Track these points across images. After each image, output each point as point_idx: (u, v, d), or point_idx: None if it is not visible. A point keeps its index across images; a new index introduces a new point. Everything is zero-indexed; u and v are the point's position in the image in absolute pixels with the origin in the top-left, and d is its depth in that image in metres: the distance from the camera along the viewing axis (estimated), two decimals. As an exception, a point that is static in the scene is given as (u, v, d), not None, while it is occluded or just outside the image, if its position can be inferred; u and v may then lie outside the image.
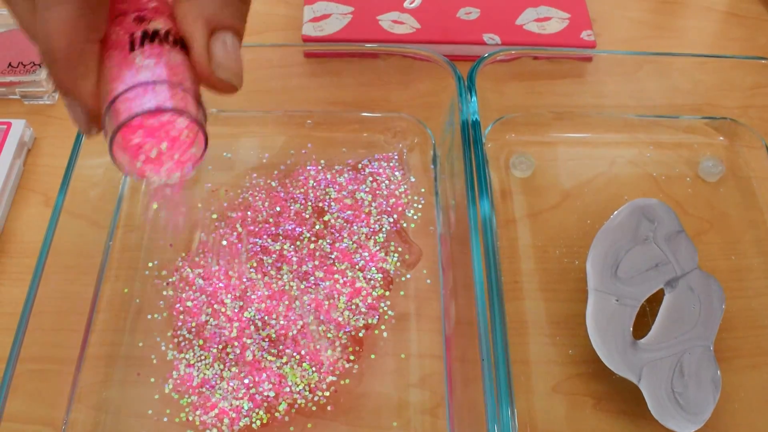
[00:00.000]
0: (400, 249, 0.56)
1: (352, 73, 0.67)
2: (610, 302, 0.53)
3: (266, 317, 0.52)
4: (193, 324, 0.52)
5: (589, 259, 0.55)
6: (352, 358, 0.51)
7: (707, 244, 0.59)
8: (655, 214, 0.57)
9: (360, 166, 0.60)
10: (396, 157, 0.60)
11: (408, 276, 0.55)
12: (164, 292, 0.54)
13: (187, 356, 0.51)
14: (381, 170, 0.60)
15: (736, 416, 0.52)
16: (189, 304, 0.53)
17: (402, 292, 0.55)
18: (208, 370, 0.50)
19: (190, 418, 0.49)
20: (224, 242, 0.56)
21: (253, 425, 0.48)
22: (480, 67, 0.60)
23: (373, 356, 0.52)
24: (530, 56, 0.63)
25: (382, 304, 0.53)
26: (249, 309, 0.52)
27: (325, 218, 0.56)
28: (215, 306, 0.52)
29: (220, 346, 0.51)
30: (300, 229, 0.55)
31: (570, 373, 0.53)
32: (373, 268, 0.54)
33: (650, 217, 0.56)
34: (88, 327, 0.54)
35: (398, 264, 0.55)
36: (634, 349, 0.51)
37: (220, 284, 0.53)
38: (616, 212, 0.57)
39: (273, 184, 0.59)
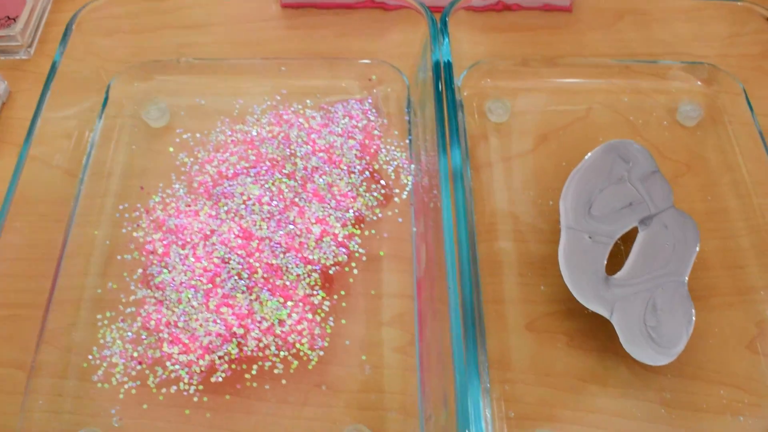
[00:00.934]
0: (372, 189, 0.55)
1: (329, 24, 0.67)
2: (583, 239, 0.52)
3: (236, 256, 0.51)
4: (163, 264, 0.51)
5: (562, 197, 0.54)
6: (322, 295, 0.51)
7: (684, 187, 0.59)
8: (630, 154, 0.56)
9: (333, 109, 0.59)
10: (370, 101, 0.60)
11: (380, 215, 0.54)
12: (135, 234, 0.54)
13: (156, 295, 0.50)
14: (355, 114, 0.59)
15: (708, 352, 0.51)
16: (159, 244, 0.52)
17: (374, 231, 0.54)
18: (177, 307, 0.50)
19: (158, 355, 0.48)
20: (195, 183, 0.55)
21: (222, 360, 0.48)
22: (454, 12, 0.59)
23: (343, 292, 0.52)
24: (505, 3, 0.62)
25: (353, 243, 0.53)
26: (219, 248, 0.51)
27: (297, 159, 0.55)
28: (185, 246, 0.52)
29: (190, 285, 0.50)
30: (272, 171, 0.55)
31: (544, 312, 0.53)
32: (345, 208, 0.54)
33: (625, 157, 0.56)
34: (57, 271, 0.53)
35: (370, 204, 0.55)
36: (607, 285, 0.50)
37: (191, 224, 0.53)
38: (590, 153, 0.56)
39: (245, 127, 0.58)
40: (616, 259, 0.52)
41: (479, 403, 0.42)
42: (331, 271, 0.52)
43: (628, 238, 0.53)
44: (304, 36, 0.67)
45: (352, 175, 0.56)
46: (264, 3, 0.69)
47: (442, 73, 0.54)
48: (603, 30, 0.68)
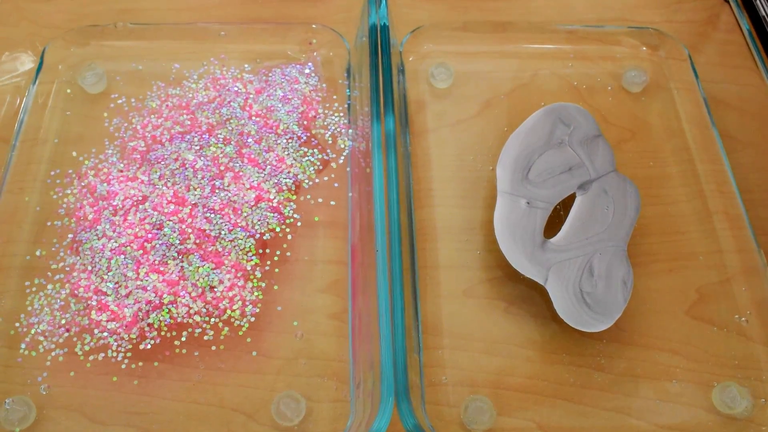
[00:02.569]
0: (309, 155, 0.54)
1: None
2: (520, 205, 0.52)
3: (169, 222, 0.50)
4: (94, 230, 0.50)
5: (499, 162, 0.54)
6: (255, 261, 0.50)
7: (628, 153, 0.58)
8: (572, 118, 0.55)
9: (271, 74, 0.58)
10: (310, 66, 0.59)
11: (316, 180, 0.53)
12: (66, 200, 0.52)
13: (85, 261, 0.49)
14: (293, 79, 0.58)
15: (648, 318, 0.51)
16: (89, 210, 0.51)
17: (309, 197, 0.53)
18: (107, 274, 0.48)
19: (86, 323, 0.47)
20: (128, 149, 0.54)
21: (152, 327, 0.47)
22: (395, -26, 0.58)
23: (276, 258, 0.51)
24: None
25: (288, 209, 0.52)
26: (151, 214, 0.50)
27: (233, 124, 0.54)
28: (118, 212, 0.51)
29: (120, 251, 0.49)
30: (206, 136, 0.54)
31: (483, 278, 0.52)
32: (281, 174, 0.53)
33: (566, 121, 0.55)
34: (-16, 239, 0.52)
35: (307, 170, 0.54)
36: (543, 251, 0.50)
37: (123, 190, 0.52)
38: (530, 116, 0.55)
39: (181, 92, 0.57)
40: (556, 224, 0.52)
41: (404, 369, 0.42)
42: (265, 237, 0.51)
43: (570, 203, 0.52)
44: (247, 1, 0.66)
45: (290, 141, 0.54)
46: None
47: (379, 37, 0.53)
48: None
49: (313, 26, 0.63)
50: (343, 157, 0.55)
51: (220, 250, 0.50)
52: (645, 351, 0.51)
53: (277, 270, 0.51)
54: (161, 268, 0.49)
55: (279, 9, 0.65)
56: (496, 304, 0.52)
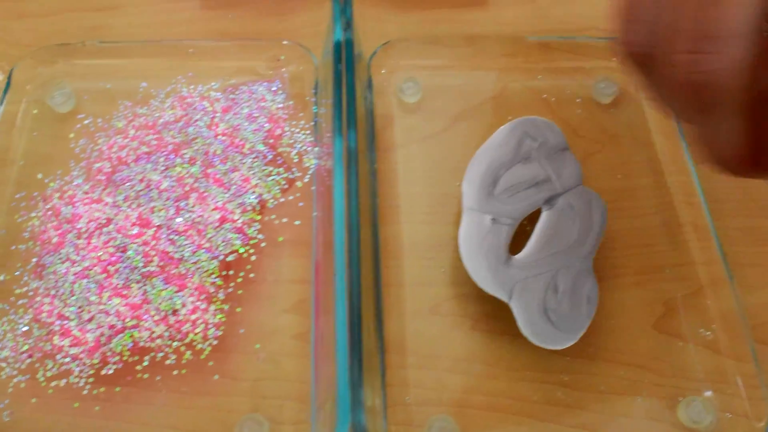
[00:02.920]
0: (274, 175, 0.54)
1: (244, 3, 0.65)
2: (485, 221, 0.51)
3: (133, 245, 0.50)
4: (58, 254, 0.50)
5: (465, 178, 0.53)
6: (219, 283, 0.50)
7: (597, 165, 0.58)
8: (539, 132, 0.55)
9: (238, 92, 0.58)
10: (277, 83, 0.59)
11: (281, 200, 0.53)
12: (30, 223, 0.52)
13: (48, 286, 0.49)
14: (260, 96, 0.58)
15: (614, 332, 0.51)
16: (54, 233, 0.51)
17: (274, 216, 0.53)
18: (70, 298, 0.49)
19: (48, 348, 0.47)
20: (94, 170, 0.54)
21: (114, 352, 0.47)
22: (360, -13, 0.58)
23: (240, 280, 0.51)
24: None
25: (253, 229, 0.52)
26: (115, 237, 0.50)
27: (199, 144, 0.54)
28: (82, 235, 0.51)
29: (84, 275, 0.49)
30: (172, 156, 0.54)
31: (448, 295, 0.52)
32: (246, 194, 0.53)
33: (533, 135, 0.55)
34: (-55, 265, 0.52)
35: (272, 189, 0.54)
36: (507, 268, 0.50)
37: (87, 212, 0.52)
38: (497, 131, 0.55)
39: (147, 111, 0.57)
40: (522, 240, 0.51)
41: (360, 389, 0.42)
42: (229, 259, 0.51)
43: (537, 218, 0.52)
44: (218, 17, 0.66)
45: (255, 160, 0.54)
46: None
47: (343, 53, 0.53)
48: (521, 6, 0.66)
49: (284, 42, 0.63)
50: (308, 176, 0.55)
51: (183, 272, 0.50)
52: (611, 366, 0.50)
53: (240, 292, 0.51)
54: (124, 292, 0.49)
55: (249, 24, 0.65)
56: (462, 321, 0.52)
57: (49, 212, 0.53)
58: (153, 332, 0.48)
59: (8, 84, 0.61)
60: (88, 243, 0.51)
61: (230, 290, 0.51)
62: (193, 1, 0.68)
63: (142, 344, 0.48)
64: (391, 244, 0.54)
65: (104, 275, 0.50)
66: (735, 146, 0.30)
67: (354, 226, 0.46)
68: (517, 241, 0.51)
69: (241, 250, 0.51)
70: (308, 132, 0.57)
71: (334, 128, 0.50)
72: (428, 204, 0.56)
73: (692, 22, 0.27)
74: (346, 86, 0.52)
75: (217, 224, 0.52)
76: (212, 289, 0.50)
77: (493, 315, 0.51)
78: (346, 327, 0.43)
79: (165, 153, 0.55)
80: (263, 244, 0.52)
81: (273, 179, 0.54)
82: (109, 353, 0.48)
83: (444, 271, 0.53)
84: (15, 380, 0.48)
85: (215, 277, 0.50)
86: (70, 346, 0.48)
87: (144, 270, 0.50)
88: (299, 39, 0.63)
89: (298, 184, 0.55)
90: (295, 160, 0.56)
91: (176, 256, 0.50)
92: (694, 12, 0.27)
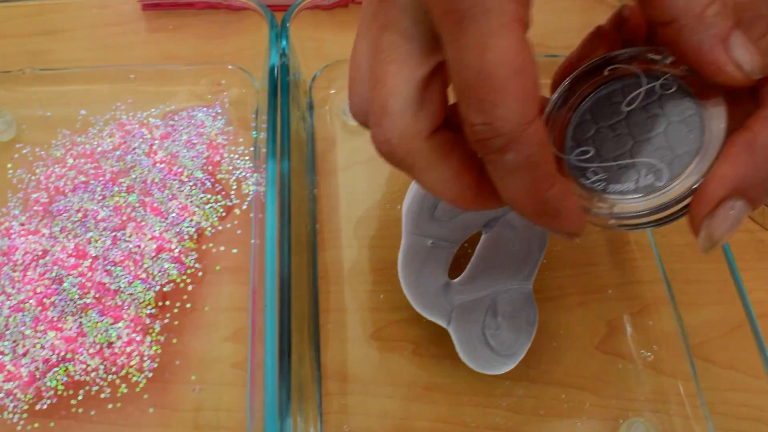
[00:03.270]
0: (212, 202, 0.54)
1: (187, 26, 0.65)
2: (424, 245, 0.51)
3: (69, 277, 0.50)
4: (-8, 287, 0.50)
5: (405, 200, 0.53)
6: (155, 313, 0.49)
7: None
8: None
9: (177, 118, 0.58)
10: (218, 108, 0.58)
11: (219, 228, 0.53)
12: (-35, 257, 0.52)
13: (-19, 320, 0.49)
14: (200, 122, 0.58)
15: (557, 354, 0.51)
16: (-12, 266, 0.51)
17: (212, 245, 0.53)
18: (5, 333, 0.48)
19: (-20, 384, 0.47)
20: (31, 201, 0.54)
21: (48, 387, 0.46)
22: (298, 13, 0.58)
23: (176, 310, 0.50)
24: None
25: (190, 259, 0.51)
26: (51, 269, 0.50)
27: (137, 172, 0.53)
28: (17, 267, 0.50)
29: (19, 308, 0.49)
30: (110, 185, 0.53)
31: (389, 320, 0.52)
32: (183, 222, 0.52)
33: (473, 158, 0.55)
34: None
35: (210, 217, 0.53)
36: (447, 292, 0.49)
37: (24, 245, 0.51)
38: (438, 154, 0.55)
39: (85, 139, 0.56)
40: (463, 265, 0.51)
41: (288, 419, 0.41)
42: (165, 289, 0.50)
43: (478, 240, 0.52)
44: (162, 39, 0.66)
45: (193, 188, 0.54)
46: (125, 5, 0.67)
47: (278, 77, 0.53)
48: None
49: (229, 67, 0.62)
50: (246, 203, 0.54)
51: (119, 303, 0.49)
52: (553, 389, 0.50)
53: (176, 322, 0.50)
54: (60, 325, 0.48)
55: (193, 48, 0.64)
56: (404, 346, 0.51)
57: (-15, 245, 0.52)
58: (88, 365, 0.48)
59: (-54, 114, 0.60)
60: (24, 276, 0.50)
61: (166, 321, 0.50)
62: (139, 23, 0.67)
63: (77, 378, 0.48)
64: (332, 269, 0.54)
65: (39, 308, 0.49)
66: (447, 192, 0.36)
67: (285, 252, 0.46)
68: (458, 264, 0.51)
69: (178, 280, 0.51)
70: (247, 158, 0.57)
71: (269, 153, 0.50)
72: (370, 227, 0.56)
73: (372, 102, 0.34)
74: (281, 110, 0.52)
75: (153, 254, 0.51)
76: (148, 321, 0.50)
77: (435, 340, 0.51)
78: (275, 356, 0.43)
79: (103, 182, 0.54)
80: (200, 273, 0.52)
81: (211, 207, 0.54)
82: (43, 388, 0.47)
83: (385, 296, 0.53)
84: (-53, 418, 0.47)
85: (151, 308, 0.50)
86: (4, 381, 0.47)
87: (80, 302, 0.49)
88: (243, 62, 0.63)
89: (237, 211, 0.55)
90: (234, 187, 0.55)
91: (112, 287, 0.50)
92: (371, 93, 0.34)
